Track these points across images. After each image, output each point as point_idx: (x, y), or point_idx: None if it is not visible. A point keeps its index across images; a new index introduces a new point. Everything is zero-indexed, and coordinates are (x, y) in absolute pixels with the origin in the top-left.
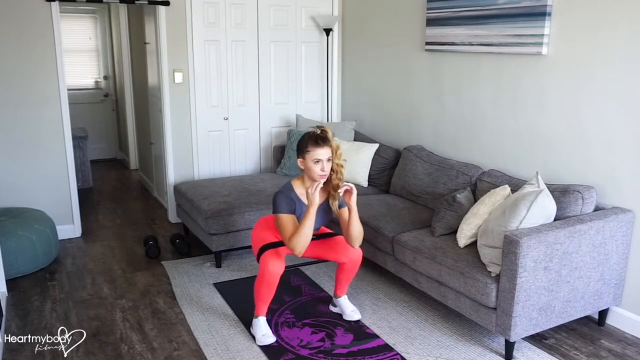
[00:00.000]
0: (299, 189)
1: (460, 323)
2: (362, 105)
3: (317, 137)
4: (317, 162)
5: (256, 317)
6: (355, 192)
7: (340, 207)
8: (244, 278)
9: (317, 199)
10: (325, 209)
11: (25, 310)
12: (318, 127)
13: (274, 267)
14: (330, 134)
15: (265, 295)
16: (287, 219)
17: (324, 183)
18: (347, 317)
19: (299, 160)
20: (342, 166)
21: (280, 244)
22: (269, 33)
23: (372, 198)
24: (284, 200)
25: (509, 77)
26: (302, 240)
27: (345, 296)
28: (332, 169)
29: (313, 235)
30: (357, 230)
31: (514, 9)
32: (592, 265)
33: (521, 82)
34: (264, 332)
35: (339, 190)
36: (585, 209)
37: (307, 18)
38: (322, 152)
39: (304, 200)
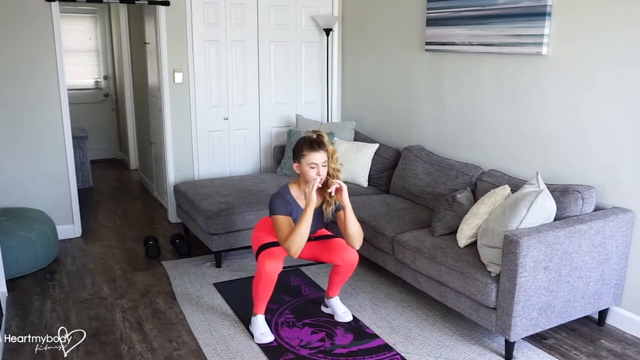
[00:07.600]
0: (295, 191)
1: (460, 323)
2: (362, 105)
3: (313, 142)
4: (313, 166)
5: (254, 315)
6: (345, 189)
7: (337, 210)
8: (244, 278)
9: (314, 198)
10: (319, 214)
11: (25, 310)
12: (314, 131)
13: (271, 266)
14: (326, 139)
15: (262, 294)
16: (283, 221)
17: (320, 188)
18: (338, 319)
19: (295, 165)
20: (338, 170)
21: (278, 244)
22: (269, 33)
23: (372, 198)
24: (281, 202)
25: (509, 77)
26: (298, 240)
27: (337, 297)
28: (328, 173)
29: (311, 236)
30: (354, 229)
31: (514, 9)
32: (592, 265)
33: (521, 82)
34: (262, 330)
35: (329, 190)
36: (585, 209)
37: (307, 18)
38: (318, 157)
39: (300, 203)
